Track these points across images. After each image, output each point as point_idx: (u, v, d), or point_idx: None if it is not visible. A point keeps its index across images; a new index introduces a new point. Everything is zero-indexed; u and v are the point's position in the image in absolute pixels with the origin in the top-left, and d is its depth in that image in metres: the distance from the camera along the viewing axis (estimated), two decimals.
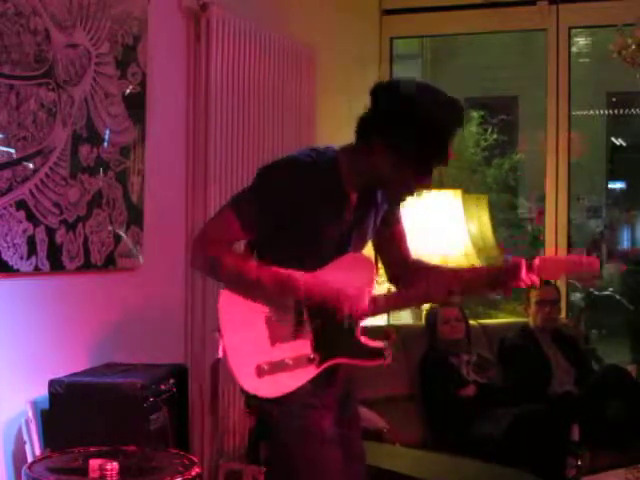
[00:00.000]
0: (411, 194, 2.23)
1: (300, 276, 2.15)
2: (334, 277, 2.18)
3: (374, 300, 2.26)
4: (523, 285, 2.24)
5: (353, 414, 2.40)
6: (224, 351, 2.16)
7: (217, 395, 2.22)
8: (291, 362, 2.18)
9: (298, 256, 2.19)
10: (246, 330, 2.17)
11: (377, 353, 2.31)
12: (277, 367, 2.16)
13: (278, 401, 2.16)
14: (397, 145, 2.10)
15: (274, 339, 2.18)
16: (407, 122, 2.07)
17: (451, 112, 2.11)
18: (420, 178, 2.16)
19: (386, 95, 2.14)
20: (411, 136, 2.07)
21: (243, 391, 2.18)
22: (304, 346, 2.20)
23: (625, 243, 9.54)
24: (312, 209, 2.16)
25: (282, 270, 2.15)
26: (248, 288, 2.17)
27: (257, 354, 2.16)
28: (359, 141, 2.19)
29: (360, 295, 2.20)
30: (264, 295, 2.17)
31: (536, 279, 2.24)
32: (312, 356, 2.20)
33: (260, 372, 2.14)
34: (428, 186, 2.22)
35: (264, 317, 2.18)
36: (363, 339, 2.30)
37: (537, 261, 2.24)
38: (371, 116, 2.15)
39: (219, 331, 2.18)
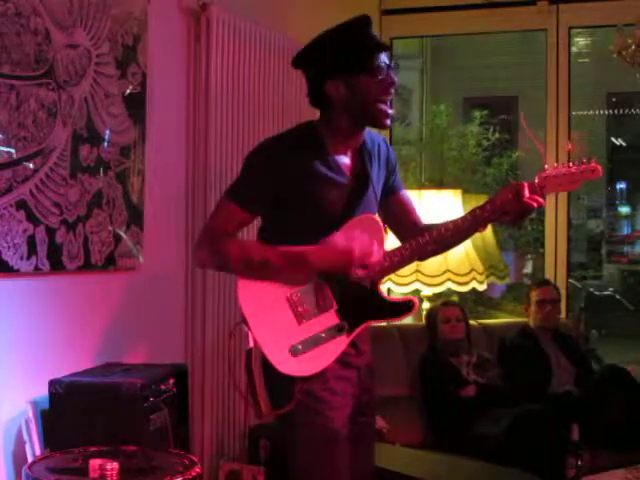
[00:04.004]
0: (387, 95, 2.23)
1: (308, 248, 2.17)
2: (343, 239, 2.19)
3: (387, 256, 2.26)
4: (527, 207, 2.19)
5: (370, 411, 2.41)
6: (255, 341, 2.19)
7: (254, 385, 2.22)
8: (323, 335, 2.20)
9: (306, 230, 2.21)
10: (271, 316, 2.19)
11: (404, 307, 2.31)
12: (310, 343, 2.19)
13: (306, 388, 2.17)
14: (336, 69, 2.19)
15: (300, 318, 2.20)
16: (326, 47, 2.22)
17: (347, 20, 2.25)
18: (378, 79, 2.20)
19: (301, 55, 2.29)
20: (337, 51, 2.20)
21: (268, 385, 2.20)
22: (331, 317, 2.22)
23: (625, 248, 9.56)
24: (305, 177, 2.20)
25: (290, 247, 2.18)
26: (258, 270, 2.19)
27: (287, 336, 2.18)
28: (320, 105, 2.28)
29: (369, 250, 2.20)
30: (275, 274, 2.19)
31: (541, 200, 2.22)
32: (341, 324, 2.22)
33: (295, 352, 2.17)
34: (393, 83, 2.22)
35: (285, 299, 2.21)
36: (387, 297, 2.33)
37: (537, 179, 2.22)
38: (309, 81, 2.28)
39: (245, 322, 2.20)
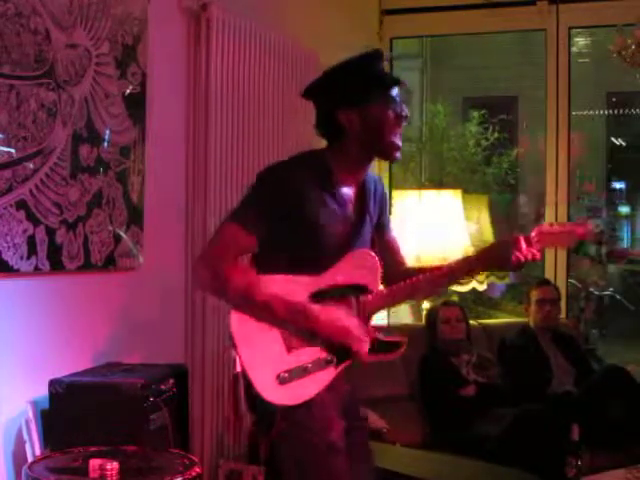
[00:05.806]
0: (399, 127, 2.25)
1: (311, 307, 2.15)
2: (344, 278, 2.22)
3: (381, 295, 2.29)
4: (522, 258, 2.22)
5: (359, 416, 2.40)
6: (242, 365, 2.16)
7: (239, 411, 2.20)
8: (310, 366, 2.18)
9: (304, 260, 2.19)
10: (261, 341, 2.16)
11: (393, 346, 2.32)
12: (297, 373, 2.17)
13: (288, 415, 2.15)
14: (349, 101, 2.21)
15: (289, 347, 2.18)
16: (341, 78, 2.23)
17: (362, 53, 2.27)
18: (391, 111, 2.22)
19: (313, 86, 2.30)
20: (349, 83, 2.22)
21: (255, 407, 2.17)
22: (321, 350, 2.20)
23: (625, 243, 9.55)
24: (313, 207, 2.19)
25: (292, 299, 2.15)
26: (257, 310, 2.16)
27: (275, 364, 2.16)
28: (331, 135, 2.28)
29: (363, 335, 2.21)
30: (273, 319, 2.16)
31: (537, 253, 2.24)
32: (329, 358, 2.21)
33: (281, 381, 2.15)
34: (405, 116, 2.24)
35: (277, 327, 2.18)
36: (377, 335, 2.31)
37: (534, 234, 2.25)
38: (320, 111, 2.28)
39: (234, 346, 2.17)
